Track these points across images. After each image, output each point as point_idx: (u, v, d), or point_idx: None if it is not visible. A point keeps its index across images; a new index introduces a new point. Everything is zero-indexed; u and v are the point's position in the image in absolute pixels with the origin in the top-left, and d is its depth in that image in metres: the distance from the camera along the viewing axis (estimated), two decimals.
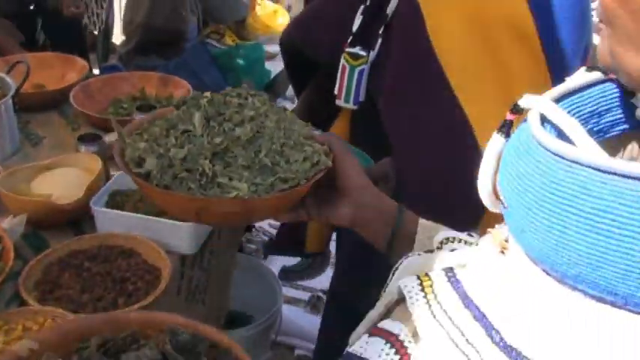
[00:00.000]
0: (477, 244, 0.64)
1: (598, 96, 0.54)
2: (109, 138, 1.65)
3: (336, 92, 1.36)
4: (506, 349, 0.47)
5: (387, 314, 0.62)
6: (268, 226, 2.85)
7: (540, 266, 0.47)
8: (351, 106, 1.36)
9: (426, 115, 1.20)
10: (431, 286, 0.56)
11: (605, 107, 0.54)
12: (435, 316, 0.53)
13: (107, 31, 3.83)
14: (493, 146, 0.54)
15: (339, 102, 1.38)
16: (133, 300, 1.17)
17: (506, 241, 0.54)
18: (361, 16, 1.32)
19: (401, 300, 0.59)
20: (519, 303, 0.49)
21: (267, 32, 4.28)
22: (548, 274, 0.47)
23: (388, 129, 1.24)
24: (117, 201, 1.40)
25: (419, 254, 0.70)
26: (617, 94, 0.54)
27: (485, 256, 0.56)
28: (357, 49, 1.30)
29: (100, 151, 1.58)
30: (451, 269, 0.57)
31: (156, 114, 0.95)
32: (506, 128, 0.53)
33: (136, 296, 1.18)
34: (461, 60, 1.18)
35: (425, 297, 0.55)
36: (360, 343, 0.58)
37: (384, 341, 0.55)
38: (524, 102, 0.52)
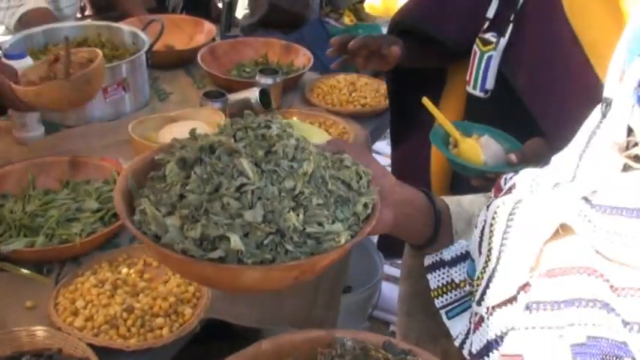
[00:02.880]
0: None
1: None
2: (232, 97, 1.72)
3: (467, 79, 1.38)
4: None
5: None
6: None
7: None
8: (478, 93, 1.36)
9: (574, 94, 1.20)
10: (586, 216, 0.55)
11: None
12: (612, 242, 0.53)
13: (231, 5, 3.96)
14: None
15: (469, 88, 1.38)
16: None
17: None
18: (497, 3, 1.32)
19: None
20: None
21: (387, 15, 4.26)
22: None
23: (534, 109, 1.25)
24: None
25: (519, 199, 0.65)
26: None
27: (620, 174, 0.56)
28: (489, 35, 1.31)
29: (223, 107, 1.65)
30: (586, 199, 0.56)
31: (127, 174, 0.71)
32: None
33: None
34: (600, 38, 1.16)
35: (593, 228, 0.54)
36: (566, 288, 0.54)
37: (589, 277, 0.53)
38: None
